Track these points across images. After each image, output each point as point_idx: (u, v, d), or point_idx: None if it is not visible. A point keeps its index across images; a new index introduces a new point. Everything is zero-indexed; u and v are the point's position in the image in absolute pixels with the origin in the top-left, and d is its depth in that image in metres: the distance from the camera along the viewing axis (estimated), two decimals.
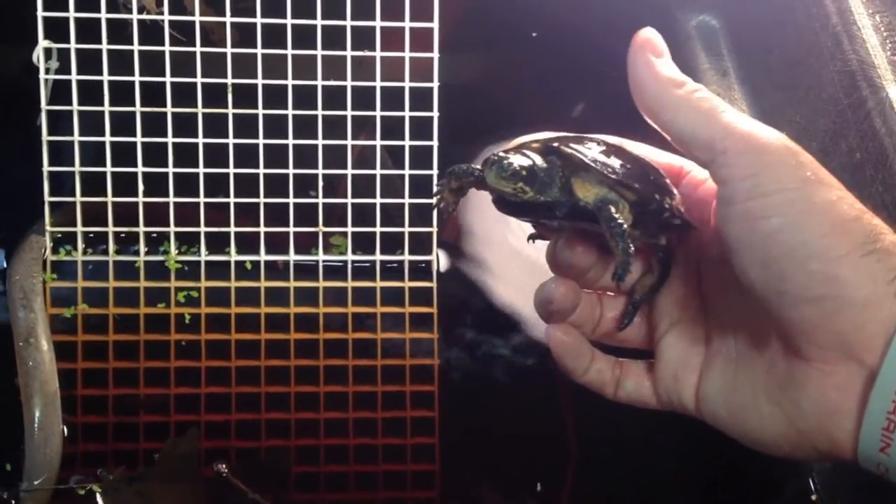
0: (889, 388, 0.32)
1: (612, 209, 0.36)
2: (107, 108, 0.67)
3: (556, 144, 0.37)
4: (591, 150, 0.37)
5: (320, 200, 0.69)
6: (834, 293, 0.32)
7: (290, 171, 0.68)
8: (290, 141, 0.68)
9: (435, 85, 0.68)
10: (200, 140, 0.67)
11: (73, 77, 0.66)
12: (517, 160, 0.36)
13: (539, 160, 0.37)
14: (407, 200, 0.69)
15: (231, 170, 0.68)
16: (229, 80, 0.67)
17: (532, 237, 0.43)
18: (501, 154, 0.36)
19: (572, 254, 0.40)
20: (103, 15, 0.66)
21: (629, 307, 0.41)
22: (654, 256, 0.40)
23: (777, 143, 0.34)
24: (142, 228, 0.68)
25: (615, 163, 0.37)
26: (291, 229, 0.69)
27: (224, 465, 0.60)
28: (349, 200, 0.69)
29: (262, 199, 0.68)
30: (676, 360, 0.40)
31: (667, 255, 0.40)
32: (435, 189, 0.43)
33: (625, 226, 0.36)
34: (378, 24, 0.68)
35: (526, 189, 0.36)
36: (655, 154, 0.41)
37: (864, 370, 0.33)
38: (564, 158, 0.37)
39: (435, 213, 0.43)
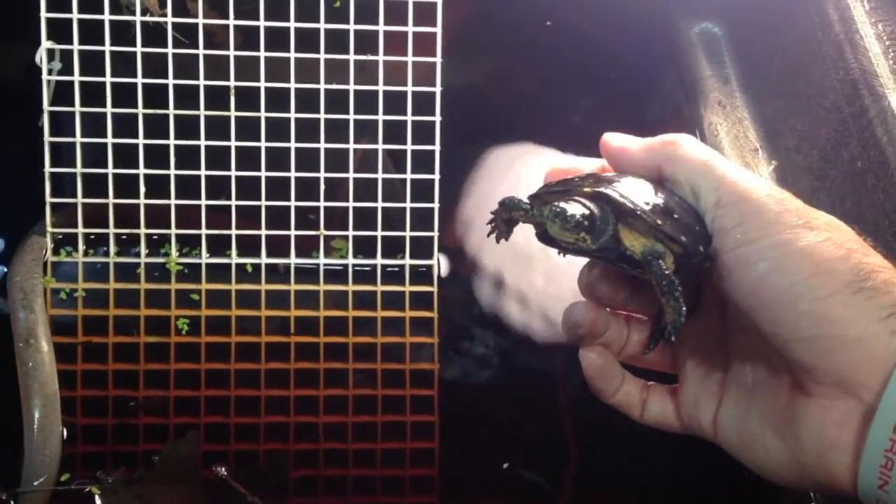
0: (887, 426, 0.32)
1: (663, 265, 0.36)
2: (109, 109, 0.67)
3: (604, 190, 0.37)
4: (636, 195, 0.37)
5: (322, 203, 0.69)
6: (825, 332, 0.33)
7: (292, 174, 0.68)
8: (293, 144, 0.68)
9: (437, 89, 0.68)
10: (202, 142, 0.67)
11: (76, 78, 0.66)
12: (577, 210, 0.36)
13: (595, 208, 0.36)
14: (408, 204, 0.69)
15: (233, 172, 0.68)
16: (232, 83, 0.67)
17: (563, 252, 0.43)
18: (562, 205, 0.36)
19: (609, 286, 0.41)
20: (106, 16, 0.66)
21: (656, 332, 0.41)
22: (686, 287, 0.40)
23: (761, 192, 0.35)
24: (143, 230, 0.68)
25: (662, 212, 0.36)
26: (293, 232, 0.69)
27: (223, 468, 0.60)
28: (351, 204, 0.69)
29: (263, 202, 0.68)
30: (698, 386, 0.41)
31: (698, 286, 0.40)
32: (488, 219, 0.43)
33: (677, 282, 0.36)
34: (381, 28, 0.68)
35: (587, 238, 0.36)
36: None
37: (862, 406, 0.33)
38: (614, 206, 0.36)
39: (493, 236, 0.44)
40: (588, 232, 0.36)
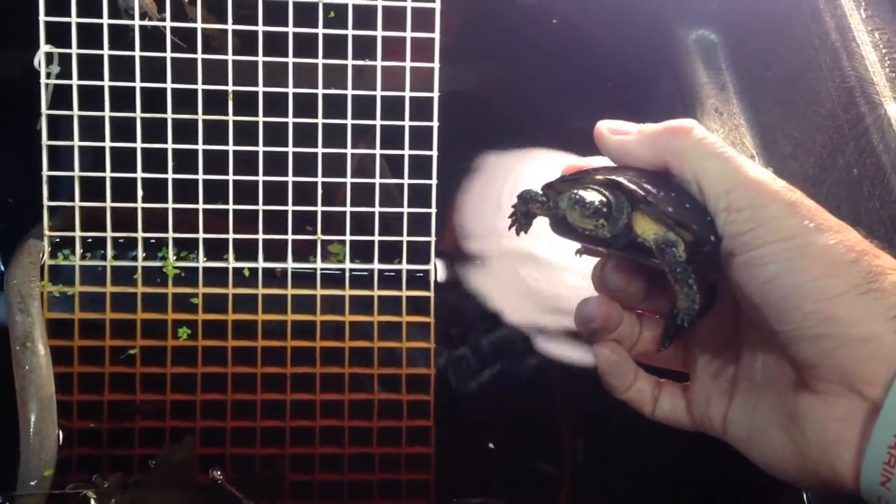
0: (891, 423, 0.32)
1: (675, 252, 0.36)
2: (107, 113, 0.67)
3: (617, 178, 0.37)
4: (648, 184, 0.37)
5: (319, 208, 0.69)
6: (831, 331, 0.33)
7: (290, 178, 0.68)
8: (290, 149, 0.68)
9: (435, 94, 0.68)
10: (200, 146, 0.67)
11: (74, 82, 0.66)
12: (595, 197, 0.37)
13: (610, 195, 0.37)
14: (406, 209, 0.69)
15: (230, 177, 0.68)
16: (230, 87, 0.68)
17: (580, 252, 0.44)
18: (581, 192, 0.37)
19: (622, 278, 0.41)
20: (105, 20, 0.66)
21: (671, 330, 0.41)
22: (701, 282, 0.40)
23: (775, 195, 0.35)
24: (140, 234, 0.68)
25: (674, 200, 0.37)
26: (290, 236, 0.69)
27: (219, 472, 0.60)
28: (348, 209, 0.69)
29: (260, 207, 0.68)
30: (709, 384, 0.41)
31: (713, 284, 0.40)
32: (509, 213, 0.44)
33: (690, 269, 0.36)
34: (379, 33, 0.68)
35: (605, 225, 0.37)
36: None
37: (866, 403, 0.34)
38: (627, 194, 0.37)
39: (514, 230, 0.44)
40: (606, 218, 0.37)
